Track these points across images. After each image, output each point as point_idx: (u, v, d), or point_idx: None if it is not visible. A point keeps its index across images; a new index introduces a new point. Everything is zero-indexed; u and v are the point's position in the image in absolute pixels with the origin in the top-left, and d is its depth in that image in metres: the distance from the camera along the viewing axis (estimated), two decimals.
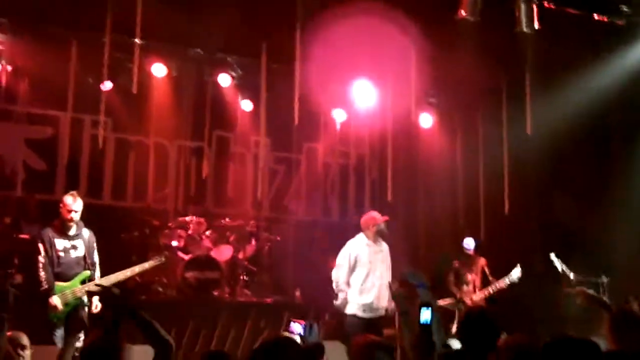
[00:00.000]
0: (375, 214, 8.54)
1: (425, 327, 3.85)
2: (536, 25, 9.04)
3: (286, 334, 6.08)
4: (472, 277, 10.16)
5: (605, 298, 10.32)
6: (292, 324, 5.86)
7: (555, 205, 10.81)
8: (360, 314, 8.19)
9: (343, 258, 8.24)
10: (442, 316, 9.03)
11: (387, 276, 8.30)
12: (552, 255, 9.48)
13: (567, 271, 9.48)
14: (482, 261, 10.26)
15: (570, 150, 10.79)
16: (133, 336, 3.80)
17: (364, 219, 8.47)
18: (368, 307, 8.18)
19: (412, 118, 11.26)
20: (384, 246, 8.49)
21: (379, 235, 8.31)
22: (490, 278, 10.03)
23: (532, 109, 10.21)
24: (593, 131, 10.84)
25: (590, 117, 10.55)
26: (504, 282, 9.85)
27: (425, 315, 3.85)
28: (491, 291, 9.92)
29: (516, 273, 9.83)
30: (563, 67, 10.26)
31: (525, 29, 9.06)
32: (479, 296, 9.97)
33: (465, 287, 10.13)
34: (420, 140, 11.99)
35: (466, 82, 10.69)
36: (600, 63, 10.41)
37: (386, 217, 8.39)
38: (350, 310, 8.24)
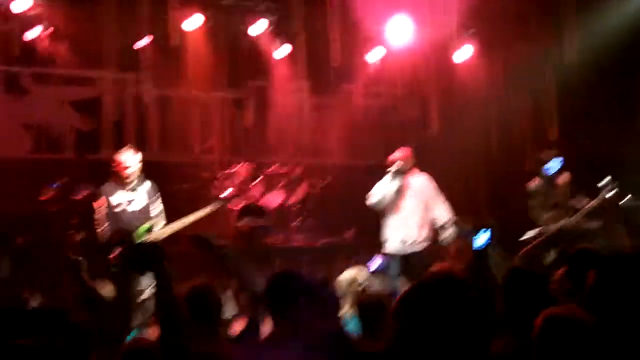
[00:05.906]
0: (395, 154, 8.44)
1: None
2: None
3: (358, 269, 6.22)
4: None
5: None
6: (372, 259, 6.08)
7: (593, 133, 10.65)
8: (394, 251, 8.30)
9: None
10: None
11: (418, 211, 8.35)
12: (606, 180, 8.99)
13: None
14: (565, 176, 8.61)
15: (608, 76, 10.60)
16: None
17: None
18: (401, 242, 8.27)
19: (450, 51, 11.19)
20: (414, 181, 8.47)
21: (395, 175, 8.26)
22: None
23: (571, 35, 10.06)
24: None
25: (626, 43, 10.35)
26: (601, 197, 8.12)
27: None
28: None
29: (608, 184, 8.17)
30: None
31: None
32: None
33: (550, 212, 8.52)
34: (460, 73, 11.85)
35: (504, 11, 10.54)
36: None
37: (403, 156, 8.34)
38: (387, 249, 8.36)
